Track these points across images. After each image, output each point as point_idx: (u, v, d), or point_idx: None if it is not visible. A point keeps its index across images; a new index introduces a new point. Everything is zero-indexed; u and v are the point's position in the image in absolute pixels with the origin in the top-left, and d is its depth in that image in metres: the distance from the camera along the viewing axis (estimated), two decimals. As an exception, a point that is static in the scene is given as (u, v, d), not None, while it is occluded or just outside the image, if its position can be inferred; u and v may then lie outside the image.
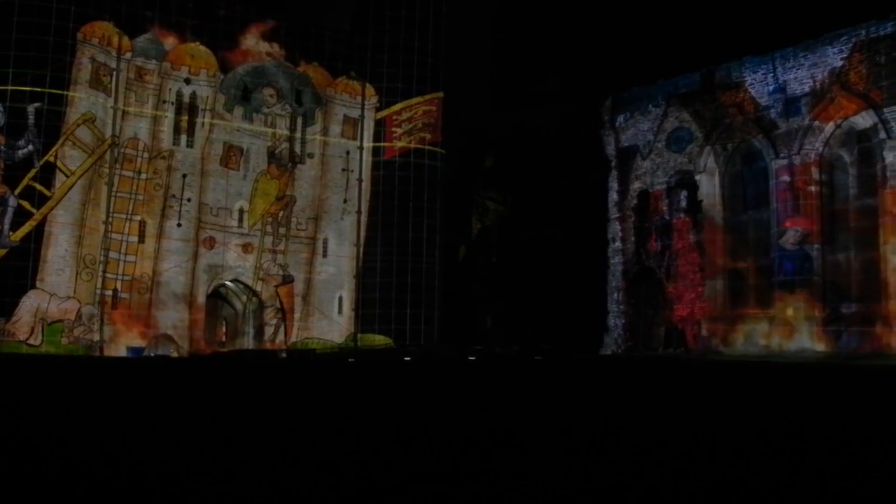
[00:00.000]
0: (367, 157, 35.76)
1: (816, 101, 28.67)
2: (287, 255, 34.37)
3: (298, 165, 34.66)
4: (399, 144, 35.75)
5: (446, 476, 5.46)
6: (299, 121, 34.76)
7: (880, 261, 26.91)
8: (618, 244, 34.66)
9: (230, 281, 34.15)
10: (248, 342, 34.65)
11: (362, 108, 35.67)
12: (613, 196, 34.89)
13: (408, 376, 20.12)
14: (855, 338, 27.10)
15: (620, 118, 34.94)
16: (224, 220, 33.31)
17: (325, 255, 35.04)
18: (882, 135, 26.96)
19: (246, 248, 33.70)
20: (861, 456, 6.49)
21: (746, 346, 29.84)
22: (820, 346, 27.76)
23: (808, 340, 28.18)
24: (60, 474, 5.25)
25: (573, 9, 33.76)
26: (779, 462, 6.12)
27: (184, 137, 32.56)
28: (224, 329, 36.19)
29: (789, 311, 28.83)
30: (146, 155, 31.85)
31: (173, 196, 32.07)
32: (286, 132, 34.48)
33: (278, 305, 34.42)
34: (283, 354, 31.87)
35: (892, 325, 26.07)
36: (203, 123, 32.82)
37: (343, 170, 35.35)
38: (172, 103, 32.30)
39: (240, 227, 33.61)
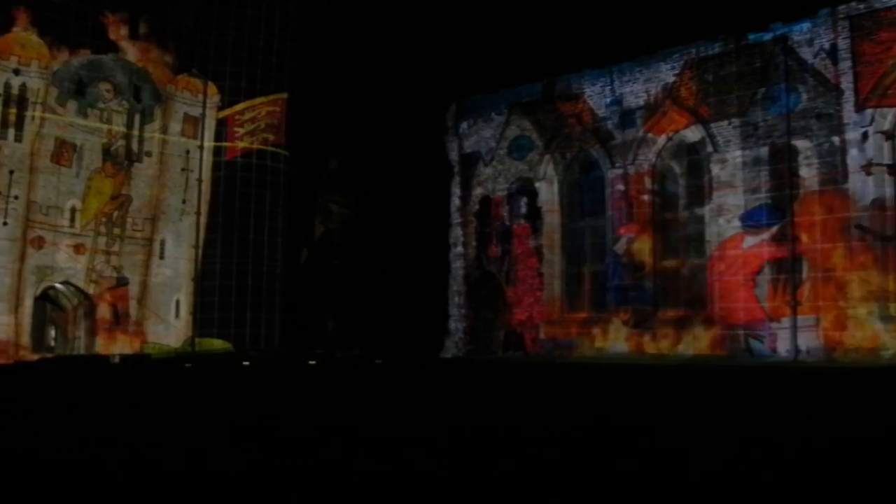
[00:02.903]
0: (208, 157, 34.89)
1: (650, 115, 29.89)
2: (122, 256, 33.11)
3: (135, 164, 33.45)
4: (241, 145, 35.08)
5: (271, 475, 5.46)
6: (137, 117, 33.55)
7: (706, 267, 28.30)
8: (459, 249, 35.13)
9: (60, 283, 32.59)
10: (79, 347, 33.22)
11: (204, 107, 34.81)
12: (455, 201, 35.36)
13: (244, 380, 19.84)
14: (684, 339, 28.35)
15: (464, 125, 35.44)
16: (55, 219, 31.73)
17: (162, 257, 33.97)
18: (709, 148, 28.34)
19: (78, 248, 32.23)
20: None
21: (582, 349, 30.77)
22: (652, 349, 28.93)
23: (641, 342, 29.31)
24: None
25: (421, 16, 33.96)
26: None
27: (11, 131, 30.86)
28: (53, 334, 34.56)
29: (623, 315, 29.93)
30: (-32, 149, 30.13)
31: (-1, 193, 30.39)
32: (123, 129, 33.23)
33: (112, 309, 33.16)
34: (116, 359, 30.70)
35: (716, 327, 27.43)
36: (33, 117, 31.12)
37: (182, 169, 34.37)
38: (0, 95, 30.66)
39: (71, 226, 32.10)
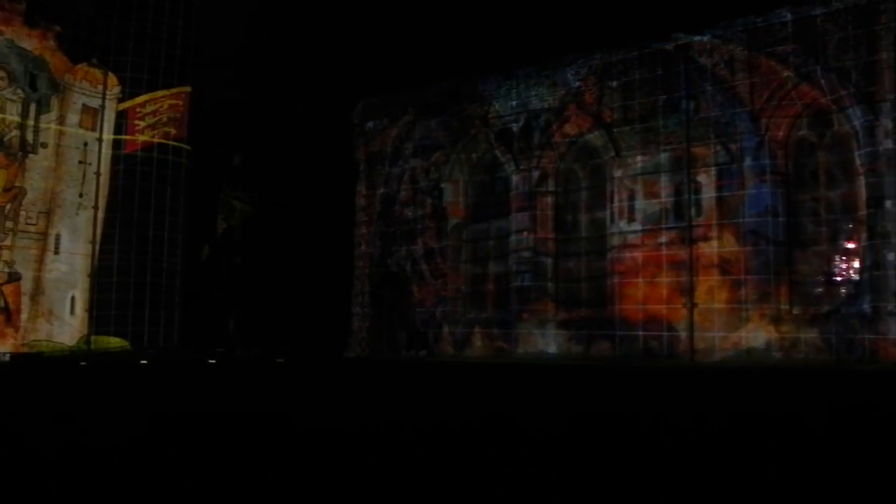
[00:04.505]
0: (107, 150, 33.90)
1: (554, 119, 30.34)
2: (14, 251, 31.92)
3: (30, 155, 32.30)
4: (142, 138, 34.21)
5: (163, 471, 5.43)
6: (32, 107, 32.39)
7: (607, 269, 28.88)
8: (363, 248, 35.07)
9: (-53, 278, 31.34)
10: (-34, 344, 31.94)
11: (103, 98, 33.83)
12: (361, 200, 35.28)
13: (140, 379, 19.51)
14: (584, 339, 28.88)
15: (370, 123, 35.39)
16: (-58, 211, 30.57)
17: (57, 252, 32.90)
18: (612, 153, 28.92)
19: (-34, 242, 31.10)
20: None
21: (485, 349, 31.08)
22: (552, 349, 29.38)
23: (542, 343, 29.76)
24: None
25: (330, 12, 33.71)
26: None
27: None
28: (-62, 331, 33.15)
29: (524, 316, 30.32)
30: None
31: None
32: (17, 118, 32.05)
33: (2, 305, 31.99)
34: (7, 357, 29.69)
35: (615, 328, 28.03)
36: (-82, 104, 29.94)
37: (80, 162, 33.32)
38: None
39: (-40, 219, 30.96)
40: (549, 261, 30.50)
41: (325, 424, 9.21)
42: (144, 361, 28.79)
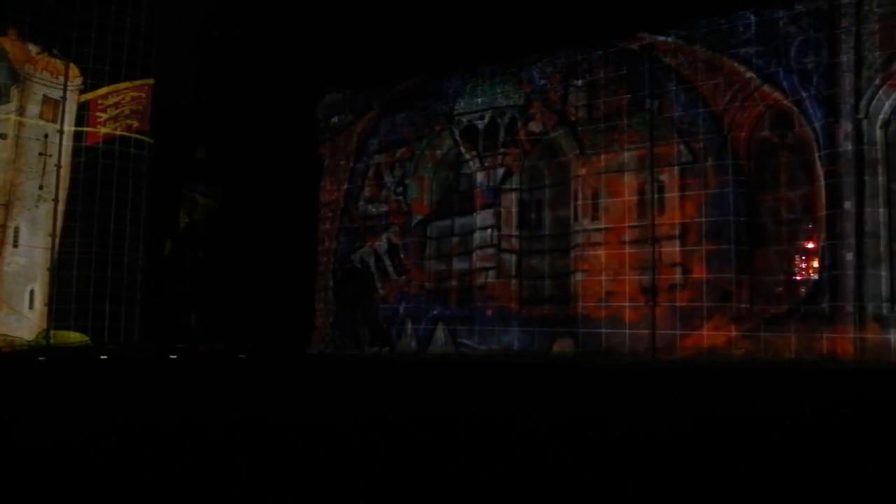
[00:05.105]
0: (68, 142, 33.41)
1: (519, 116, 30.37)
2: (-29, 243, 31.53)
3: (-12, 146, 31.89)
4: (104, 130, 33.79)
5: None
6: (-9, 97, 31.99)
7: (570, 266, 28.99)
8: (327, 244, 34.94)
9: None
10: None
11: (65, 90, 33.34)
12: (325, 196, 35.14)
13: (98, 375, 19.32)
14: (547, 336, 28.97)
15: (335, 119, 35.26)
16: None
17: (15, 245, 32.42)
18: (576, 151, 29.01)
19: (-78, 234, 30.59)
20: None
21: (446, 346, 31.10)
22: (516, 345, 29.46)
23: (505, 339, 29.82)
24: None
25: (295, 9, 33.51)
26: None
27: None
28: None
29: (489, 312, 30.37)
30: None
31: None
32: (-25, 109, 31.63)
33: (-42, 298, 31.51)
34: (-38, 352, 29.24)
35: (578, 325, 28.15)
36: None
37: (40, 154, 32.81)
38: None
39: (-84, 210, 30.43)
40: (513, 258, 30.56)
41: (282, 422, 9.19)
42: (104, 357, 28.46)
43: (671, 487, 5.36)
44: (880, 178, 23.64)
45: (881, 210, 23.50)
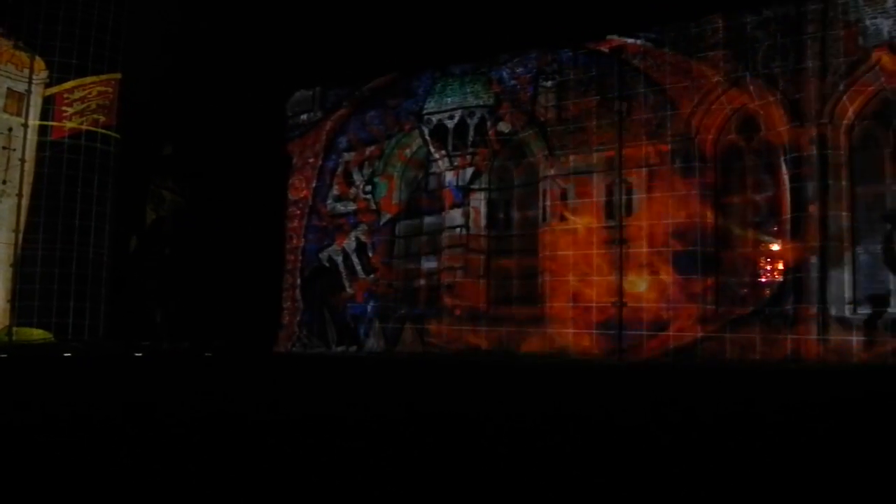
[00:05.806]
0: (33, 136, 33.05)
1: (489, 116, 30.45)
2: (-67, 238, 31.08)
3: (-49, 140, 31.45)
4: (69, 125, 33.45)
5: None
6: (-47, 90, 31.55)
7: (538, 267, 29.09)
8: (295, 242, 34.83)
9: None
10: None
11: (30, 83, 32.97)
12: (293, 194, 35.02)
13: (61, 372, 19.14)
14: (515, 337, 29.05)
15: (304, 116, 35.15)
16: None
17: (-23, 240, 32.05)
18: (545, 151, 29.13)
19: None
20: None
21: (414, 345, 31.11)
22: (484, 345, 29.52)
23: (473, 339, 29.87)
24: None
25: (264, 4, 33.35)
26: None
27: None
28: None
29: (456, 312, 30.41)
30: None
31: None
32: (-62, 102, 31.19)
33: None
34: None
35: (546, 326, 28.26)
36: None
37: (4, 148, 32.42)
38: None
39: None
40: (482, 258, 30.63)
41: (249, 421, 9.15)
42: (68, 354, 28.19)
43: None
44: (843, 183, 23.99)
45: (844, 214, 23.85)
